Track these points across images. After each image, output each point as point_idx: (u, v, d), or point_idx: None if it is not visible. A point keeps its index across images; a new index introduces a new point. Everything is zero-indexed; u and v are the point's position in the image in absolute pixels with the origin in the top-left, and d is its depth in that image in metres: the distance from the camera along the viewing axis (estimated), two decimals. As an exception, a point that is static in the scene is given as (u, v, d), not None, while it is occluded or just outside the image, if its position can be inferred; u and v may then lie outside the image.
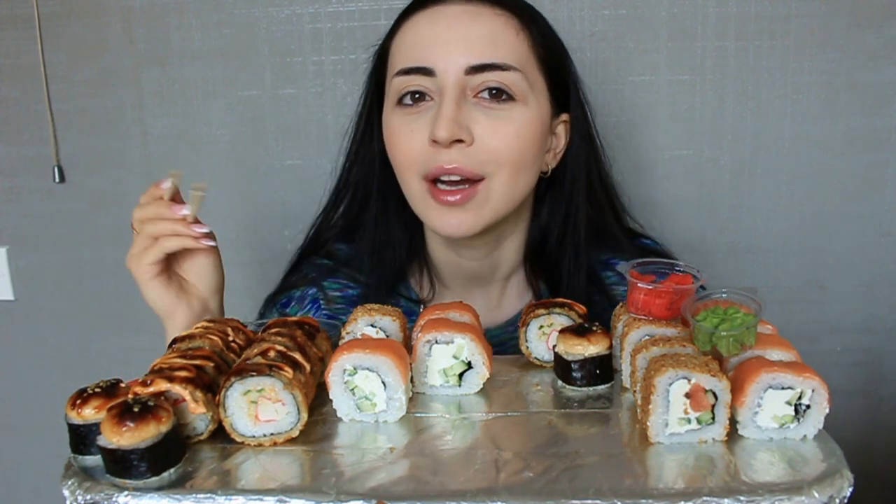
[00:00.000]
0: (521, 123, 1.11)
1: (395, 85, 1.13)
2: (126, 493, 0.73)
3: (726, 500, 0.69)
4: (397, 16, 1.18)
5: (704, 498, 0.69)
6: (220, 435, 0.81)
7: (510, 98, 1.10)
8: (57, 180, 1.68)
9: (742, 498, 0.69)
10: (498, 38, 1.11)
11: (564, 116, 1.21)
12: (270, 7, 1.56)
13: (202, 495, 0.72)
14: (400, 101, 1.13)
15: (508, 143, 1.09)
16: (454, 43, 1.10)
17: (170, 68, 1.61)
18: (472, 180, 1.09)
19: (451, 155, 1.07)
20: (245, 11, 1.57)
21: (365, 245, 1.25)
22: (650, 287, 0.90)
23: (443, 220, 1.11)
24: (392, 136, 1.14)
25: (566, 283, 1.21)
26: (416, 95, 1.11)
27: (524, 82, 1.11)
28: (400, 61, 1.14)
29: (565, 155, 1.22)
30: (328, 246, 1.30)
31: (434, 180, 1.10)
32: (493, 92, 1.09)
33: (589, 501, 0.69)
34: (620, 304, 0.98)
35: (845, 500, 0.71)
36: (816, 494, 0.70)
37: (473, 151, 1.08)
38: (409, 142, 1.11)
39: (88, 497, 0.73)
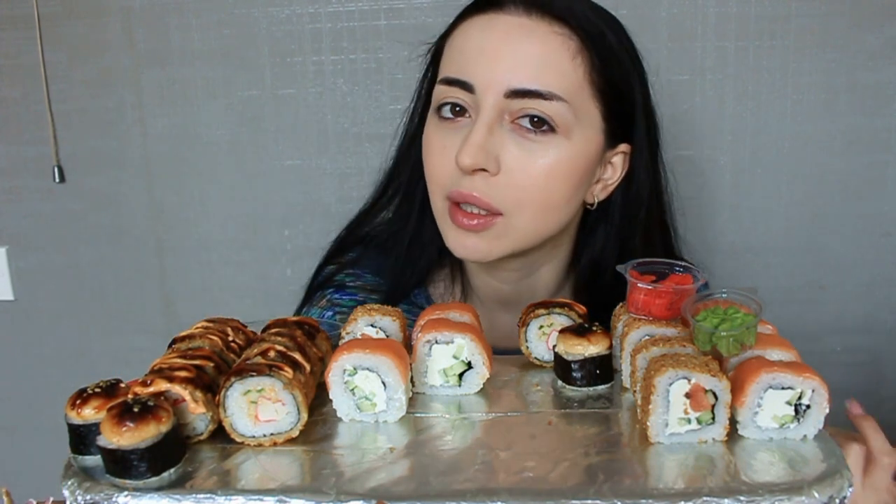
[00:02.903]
0: (557, 159, 1.03)
1: (437, 93, 1.09)
2: (126, 493, 0.72)
3: (726, 501, 0.69)
4: (459, 12, 1.12)
5: (704, 498, 0.69)
6: (220, 435, 0.81)
7: (551, 129, 1.02)
8: (57, 180, 1.68)
9: (742, 498, 0.69)
10: (549, 62, 1.01)
11: (624, 147, 1.11)
12: (270, 7, 1.56)
13: (202, 495, 0.72)
14: (439, 111, 1.08)
15: (536, 181, 1.02)
16: (500, 60, 1.02)
17: (170, 68, 1.61)
18: (490, 213, 1.04)
19: (473, 183, 1.02)
20: (245, 11, 1.57)
21: (398, 242, 1.20)
22: (650, 287, 0.90)
23: (458, 241, 1.07)
24: (426, 147, 1.10)
25: None
26: (457, 108, 1.05)
27: (570, 114, 1.02)
28: (445, 68, 1.08)
29: (625, 186, 1.13)
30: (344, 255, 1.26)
31: (456, 202, 1.06)
32: (534, 120, 1.01)
33: (589, 501, 0.69)
34: (620, 304, 0.98)
35: (845, 500, 0.71)
36: (816, 494, 0.70)
37: (497, 183, 1.02)
38: (439, 158, 1.07)
39: (88, 497, 0.73)
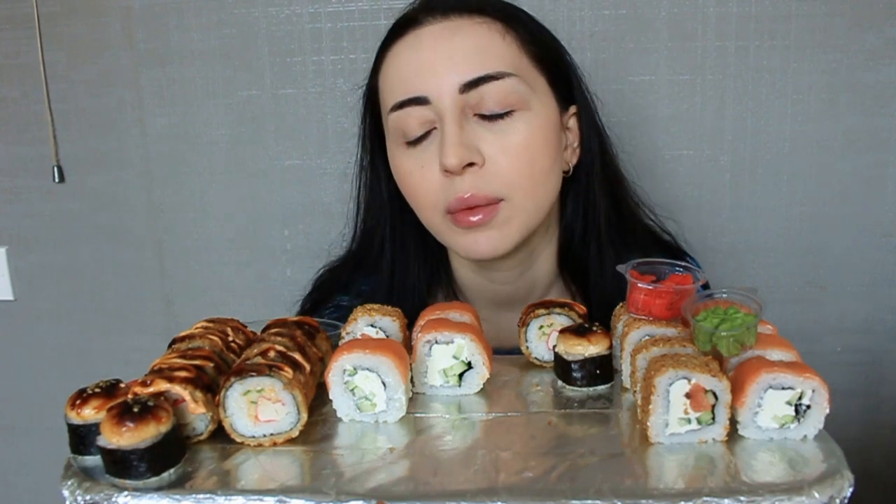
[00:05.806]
0: (529, 132, 1.06)
1: (392, 122, 1.09)
2: (126, 493, 0.72)
3: (726, 501, 0.69)
4: (377, 50, 1.15)
5: (705, 498, 0.69)
6: (220, 435, 0.81)
7: (512, 107, 1.06)
8: (56, 180, 1.68)
9: (742, 498, 0.69)
10: (484, 48, 1.06)
11: (573, 109, 1.16)
12: (270, 7, 1.56)
13: (202, 495, 0.72)
14: (403, 139, 1.09)
15: (519, 157, 1.05)
16: (440, 63, 1.05)
17: (170, 68, 1.61)
18: (490, 203, 1.05)
19: (465, 183, 1.04)
20: (245, 11, 1.57)
21: (383, 286, 1.20)
22: (650, 287, 0.90)
23: (472, 243, 1.07)
24: (405, 177, 1.10)
25: (594, 282, 1.17)
26: (418, 128, 1.07)
27: (523, 86, 1.06)
28: (391, 97, 1.09)
29: (579, 146, 1.17)
30: (350, 284, 1.25)
31: (457, 210, 1.06)
32: (493, 105, 1.05)
33: (589, 502, 0.69)
34: (620, 304, 0.98)
35: (846, 501, 0.71)
36: (817, 495, 0.70)
37: (486, 174, 1.04)
38: (422, 178, 1.07)
39: (88, 497, 0.73)
